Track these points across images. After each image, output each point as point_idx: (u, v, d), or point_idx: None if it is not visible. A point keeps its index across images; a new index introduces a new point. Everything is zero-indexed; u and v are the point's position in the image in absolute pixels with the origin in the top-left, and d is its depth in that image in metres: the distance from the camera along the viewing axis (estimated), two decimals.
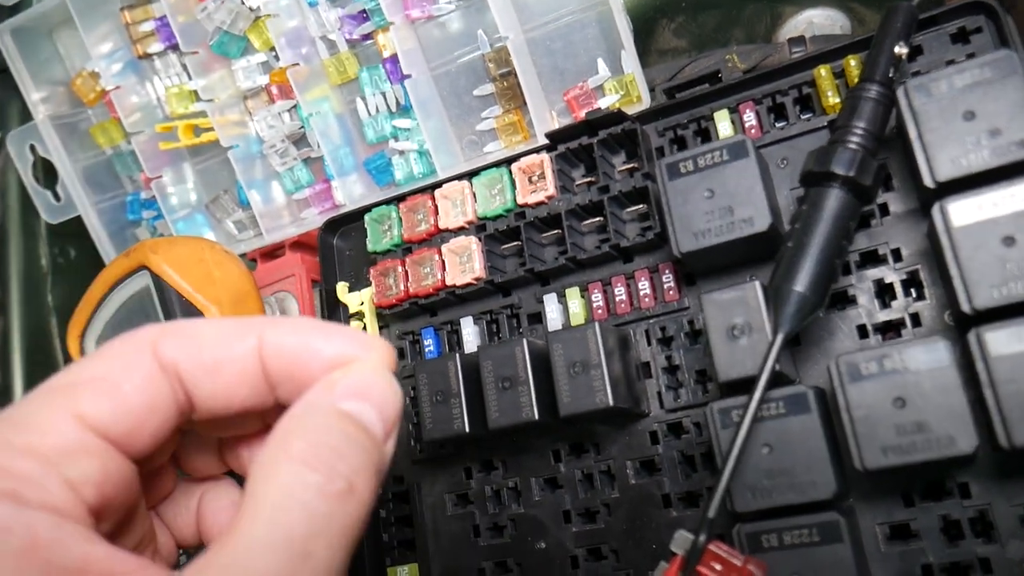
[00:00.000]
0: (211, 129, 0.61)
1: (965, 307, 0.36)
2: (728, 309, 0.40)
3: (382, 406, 0.27)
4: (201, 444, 0.32)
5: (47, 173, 0.66)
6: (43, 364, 0.65)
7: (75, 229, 0.66)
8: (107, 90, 0.63)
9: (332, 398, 0.27)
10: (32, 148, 0.64)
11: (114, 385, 0.26)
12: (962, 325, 0.37)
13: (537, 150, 0.50)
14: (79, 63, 0.64)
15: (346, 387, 0.27)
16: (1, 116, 0.68)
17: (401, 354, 0.54)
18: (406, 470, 0.52)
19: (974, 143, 0.37)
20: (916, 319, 0.41)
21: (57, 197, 0.65)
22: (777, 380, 0.39)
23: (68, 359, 0.66)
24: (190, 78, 0.62)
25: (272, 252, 0.63)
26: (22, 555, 0.22)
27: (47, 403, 0.25)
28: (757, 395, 0.36)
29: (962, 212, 0.37)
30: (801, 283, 0.37)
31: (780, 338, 0.37)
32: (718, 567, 0.35)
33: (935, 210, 0.37)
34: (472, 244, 0.50)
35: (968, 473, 0.39)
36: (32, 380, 0.64)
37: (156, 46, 0.61)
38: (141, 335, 0.27)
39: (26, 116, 0.69)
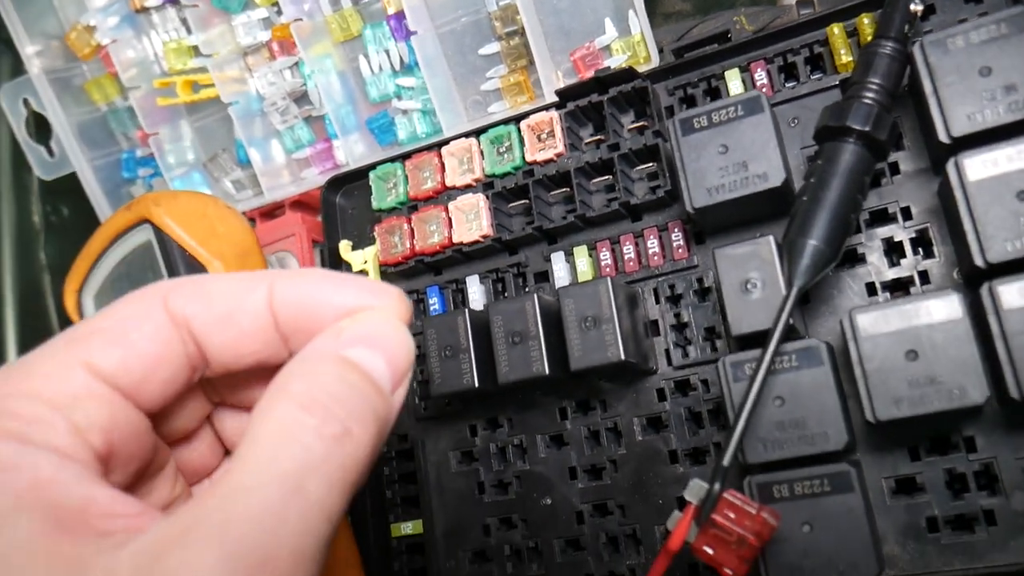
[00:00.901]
0: (210, 85, 0.60)
1: (979, 261, 0.36)
2: (741, 263, 0.40)
3: (391, 355, 0.27)
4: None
5: (39, 128, 0.64)
6: (36, 322, 0.65)
7: (68, 186, 0.65)
8: (103, 44, 0.62)
9: (336, 345, 0.27)
10: (26, 102, 0.63)
11: (123, 335, 0.26)
12: (973, 280, 0.38)
13: (546, 108, 0.50)
14: (73, 16, 0.63)
15: (352, 335, 0.27)
16: None
17: None
18: (410, 427, 0.52)
19: (990, 99, 0.37)
20: (925, 277, 0.42)
21: (51, 152, 0.63)
22: (789, 335, 0.39)
23: (62, 316, 0.65)
24: (189, 33, 0.61)
25: (271, 212, 0.62)
26: (24, 492, 0.22)
27: (57, 352, 0.26)
28: (772, 347, 0.37)
29: (977, 167, 0.37)
30: (816, 236, 0.37)
31: (795, 291, 0.37)
32: (732, 515, 0.36)
33: (950, 165, 0.37)
34: (480, 202, 0.50)
35: (974, 427, 0.39)
36: (25, 338, 0.64)
37: (154, 0, 0.60)
38: (152, 289, 0.28)
39: (17, 70, 0.67)
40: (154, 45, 0.62)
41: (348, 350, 0.26)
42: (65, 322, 0.67)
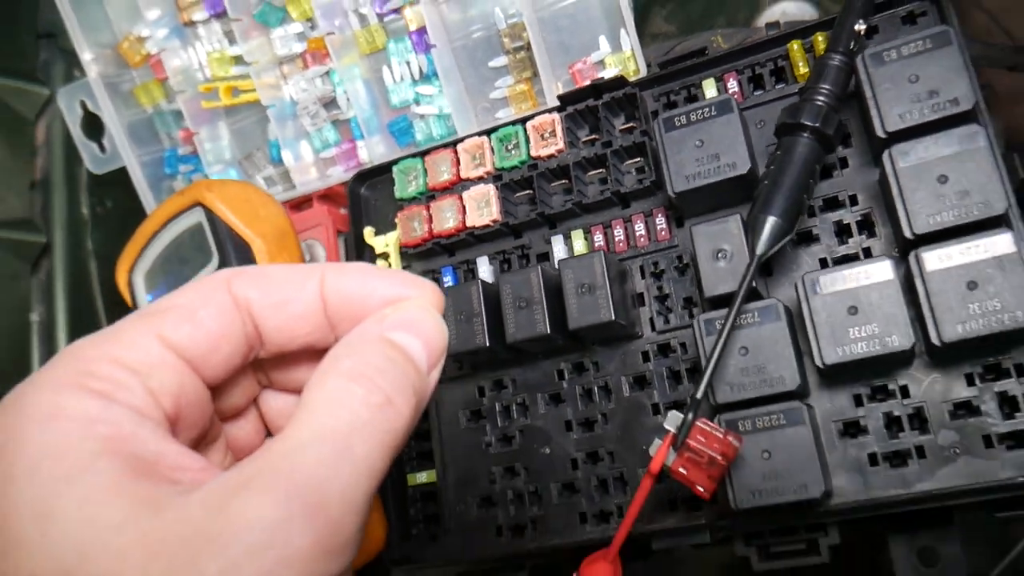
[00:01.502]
0: (248, 91, 0.68)
1: (907, 233, 0.44)
2: (713, 237, 0.48)
3: (427, 339, 0.31)
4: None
5: (90, 128, 0.72)
6: (84, 302, 0.71)
7: (114, 180, 0.72)
8: (152, 54, 0.70)
9: (380, 328, 0.30)
10: (82, 104, 0.70)
11: (193, 313, 0.29)
12: (904, 251, 0.45)
13: (549, 111, 0.57)
14: (126, 28, 0.71)
15: (394, 320, 0.31)
16: (47, 76, 0.73)
17: None
18: None
19: (917, 101, 0.45)
20: (868, 252, 0.49)
21: (103, 149, 0.71)
22: (752, 296, 0.47)
23: (107, 300, 0.72)
24: (231, 44, 0.68)
25: (299, 205, 0.70)
26: (108, 441, 0.25)
27: (135, 325, 0.29)
28: (737, 304, 0.44)
29: (906, 156, 0.45)
30: (775, 212, 0.45)
31: (757, 258, 0.45)
32: (703, 439, 0.43)
33: (885, 156, 0.45)
34: (490, 191, 0.57)
35: (907, 376, 0.47)
36: (73, 316, 0.70)
37: (200, 14, 0.68)
38: (218, 275, 0.31)
39: (70, 77, 0.75)
40: (199, 55, 0.69)
41: (390, 333, 0.30)
42: (110, 305, 0.74)
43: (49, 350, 0.69)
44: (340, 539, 0.25)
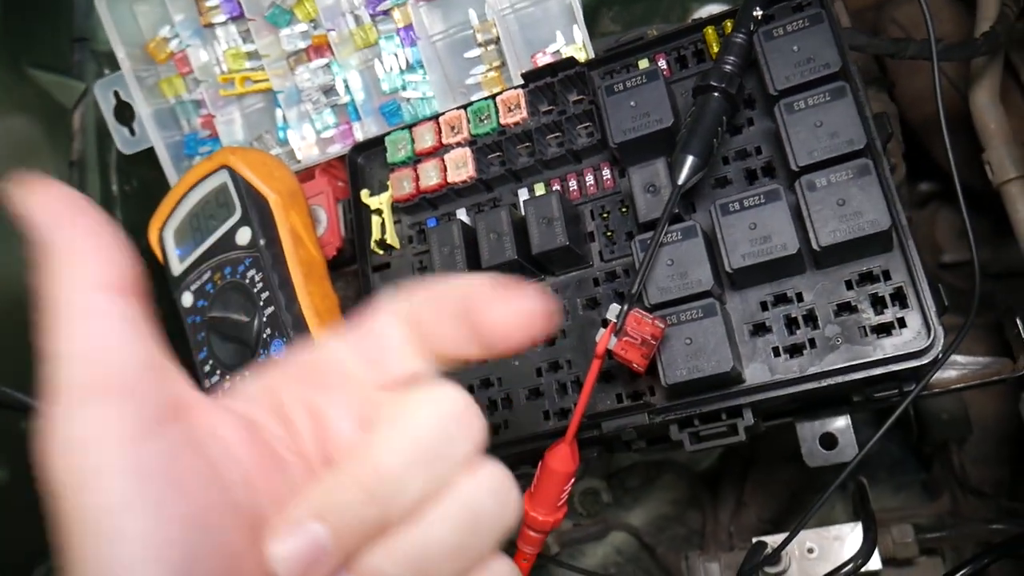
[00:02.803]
0: (259, 81, 0.80)
1: (793, 165, 0.57)
2: (645, 176, 0.60)
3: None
4: None
5: (120, 116, 0.83)
6: None
7: (140, 161, 0.84)
8: (175, 53, 0.82)
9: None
10: (115, 94, 0.82)
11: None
12: (791, 182, 0.58)
13: (514, 88, 0.70)
14: (153, 30, 0.83)
15: None
16: (81, 73, 0.85)
17: (410, 240, 0.73)
18: None
19: (798, 66, 0.58)
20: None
21: (132, 132, 0.82)
22: (676, 220, 0.59)
23: (139, 252, 0.82)
24: (244, 42, 0.81)
25: (303, 179, 0.81)
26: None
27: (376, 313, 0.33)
28: (664, 220, 0.56)
29: (791, 108, 0.58)
30: (691, 151, 0.57)
31: (678, 187, 0.57)
32: (636, 325, 0.55)
33: (776, 108, 0.58)
34: (467, 154, 0.69)
35: (802, 285, 0.59)
36: None
37: (219, 17, 0.80)
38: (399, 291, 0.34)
39: (100, 75, 0.86)
40: (217, 52, 0.81)
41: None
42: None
43: None
44: None
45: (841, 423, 0.64)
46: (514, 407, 0.66)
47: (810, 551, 0.73)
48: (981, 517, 0.82)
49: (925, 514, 0.90)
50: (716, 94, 0.59)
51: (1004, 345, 0.99)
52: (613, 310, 0.55)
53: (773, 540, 0.69)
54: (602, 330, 0.55)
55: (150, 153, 0.83)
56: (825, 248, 0.55)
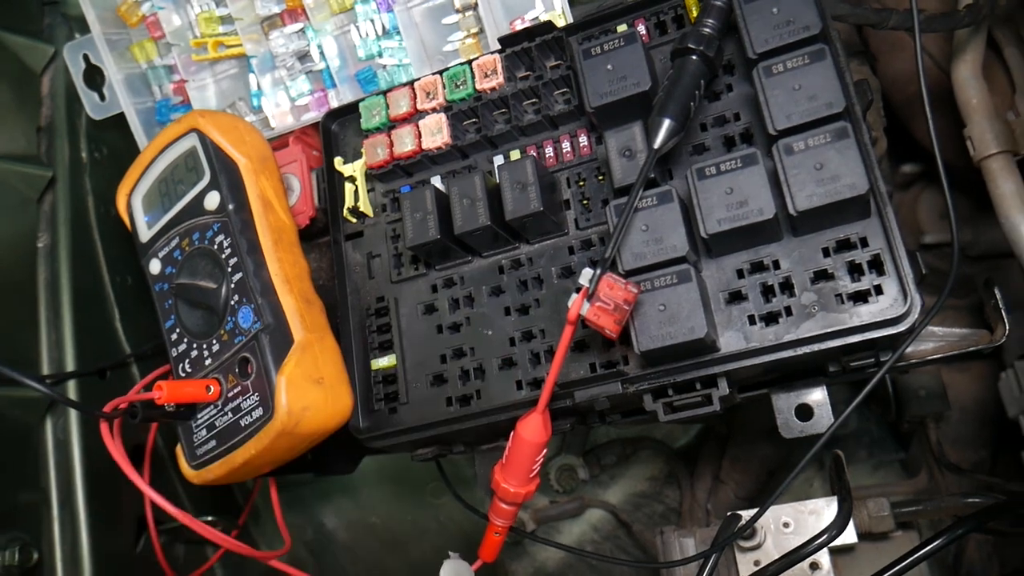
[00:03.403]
0: (233, 46, 0.78)
1: (770, 129, 0.56)
2: (622, 139, 0.59)
3: None
4: None
5: (90, 80, 0.81)
6: (82, 233, 0.81)
7: (110, 127, 0.82)
8: (146, 16, 0.80)
9: None
10: (85, 57, 0.80)
11: None
12: (769, 145, 0.57)
13: (491, 53, 0.69)
14: None
15: None
16: (51, 37, 0.83)
17: (384, 208, 0.72)
18: (386, 290, 0.70)
19: (777, 28, 0.57)
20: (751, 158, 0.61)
21: (103, 97, 0.81)
22: (652, 185, 0.58)
23: (104, 237, 0.81)
24: (217, 6, 0.79)
25: (277, 147, 0.80)
26: None
27: None
28: (639, 183, 0.55)
29: (770, 71, 0.56)
30: (668, 115, 0.56)
31: (653, 151, 0.56)
32: (609, 290, 0.54)
33: (755, 72, 0.57)
34: (442, 120, 0.68)
35: (779, 252, 0.58)
36: (74, 245, 0.79)
37: None
38: None
39: (70, 38, 0.85)
40: (189, 15, 0.80)
41: None
42: (105, 236, 0.83)
43: (53, 272, 0.78)
44: None
45: (817, 395, 0.63)
46: (487, 377, 0.65)
47: (786, 525, 0.72)
48: (957, 492, 0.82)
49: (902, 491, 0.90)
50: (694, 57, 0.58)
51: (984, 325, 0.99)
52: (586, 274, 0.54)
53: (748, 515, 0.69)
54: (574, 295, 0.54)
55: (121, 119, 0.81)
56: (802, 213, 0.54)
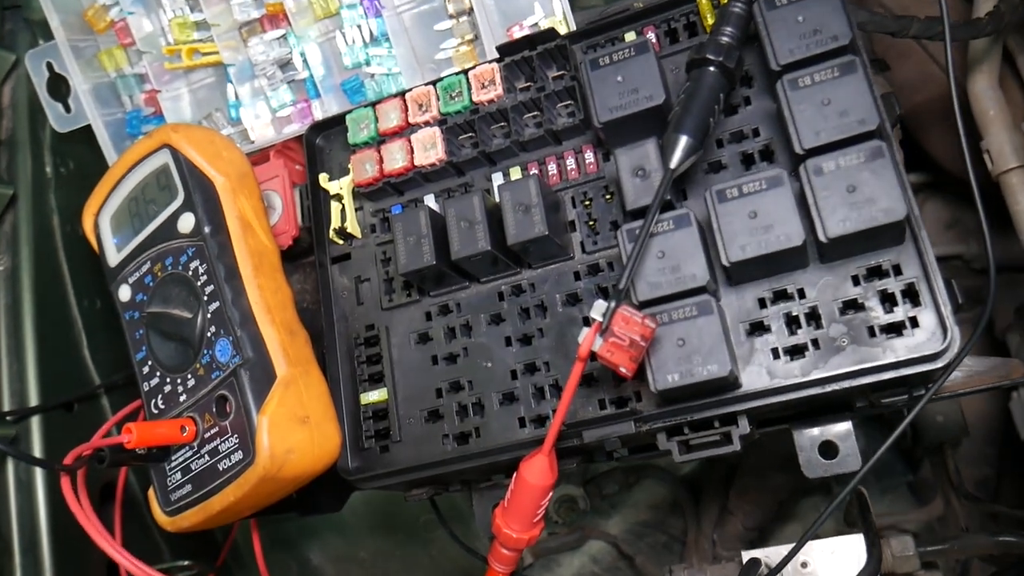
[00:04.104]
0: (209, 53, 0.73)
1: (797, 148, 0.51)
2: (634, 158, 0.55)
3: None
4: None
5: (54, 90, 0.76)
6: (47, 254, 0.75)
7: (77, 140, 0.76)
8: (115, 21, 0.74)
9: None
10: (49, 65, 0.74)
11: None
12: (795, 166, 0.52)
13: (488, 62, 0.64)
14: None
15: None
16: (12, 44, 0.77)
17: (373, 229, 0.66)
18: (376, 317, 0.64)
19: (803, 38, 0.53)
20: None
21: (68, 109, 0.75)
22: (667, 207, 0.54)
23: (70, 254, 0.75)
24: (192, 11, 0.73)
25: (257, 161, 0.74)
26: None
27: None
28: (654, 207, 0.50)
29: (796, 84, 0.52)
30: (685, 131, 0.52)
31: (670, 171, 0.52)
32: (624, 324, 0.49)
33: (779, 84, 0.53)
34: (436, 134, 0.63)
35: (803, 280, 0.54)
36: (38, 265, 0.74)
37: None
38: None
39: (33, 45, 0.79)
40: (162, 20, 0.74)
41: None
42: (72, 256, 0.77)
43: (14, 297, 0.72)
44: None
45: (842, 429, 0.58)
46: (486, 413, 0.60)
47: (804, 565, 0.67)
48: (981, 526, 0.78)
49: (915, 519, 0.86)
50: (712, 68, 0.53)
51: (995, 343, 0.95)
52: (599, 307, 0.49)
53: (765, 555, 0.64)
54: (585, 329, 0.49)
55: (88, 132, 0.75)
56: (833, 240, 0.50)
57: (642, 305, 0.52)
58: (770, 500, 0.85)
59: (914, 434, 0.84)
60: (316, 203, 0.68)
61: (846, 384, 0.52)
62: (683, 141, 0.52)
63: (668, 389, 0.51)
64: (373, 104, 0.66)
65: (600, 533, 0.89)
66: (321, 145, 0.69)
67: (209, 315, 0.60)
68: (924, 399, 0.53)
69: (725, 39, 0.54)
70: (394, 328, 0.64)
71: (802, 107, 0.52)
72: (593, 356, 0.49)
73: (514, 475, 0.56)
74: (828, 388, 0.52)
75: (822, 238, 0.50)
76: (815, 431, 0.59)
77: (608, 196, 0.60)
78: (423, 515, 0.91)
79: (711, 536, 0.86)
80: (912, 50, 0.97)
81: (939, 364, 0.51)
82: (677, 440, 0.56)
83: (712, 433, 0.56)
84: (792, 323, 0.54)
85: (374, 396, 0.63)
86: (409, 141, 0.64)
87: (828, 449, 0.59)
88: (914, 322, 0.51)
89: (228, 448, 0.57)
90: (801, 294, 0.54)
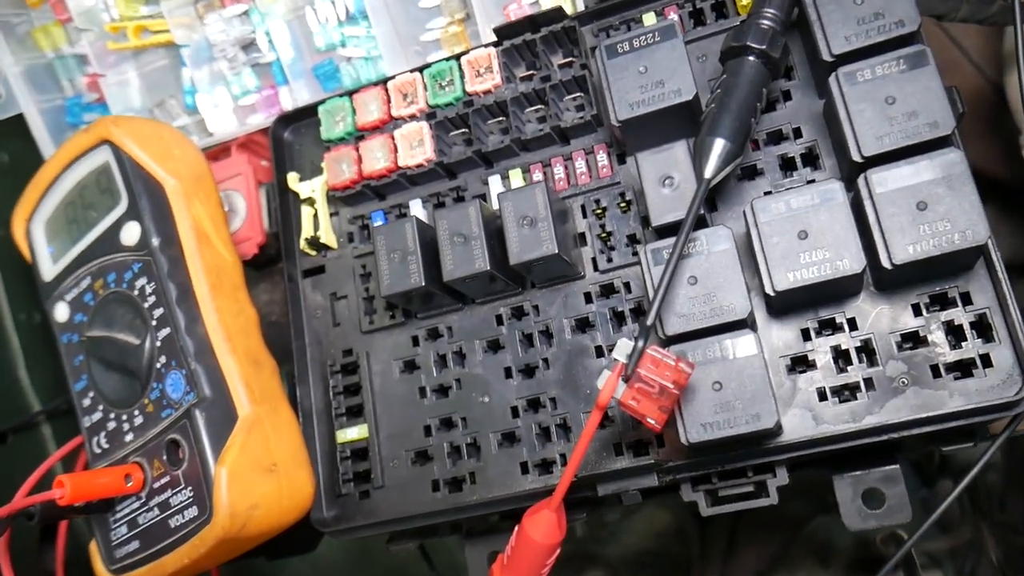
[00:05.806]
0: (160, 32, 0.63)
1: (856, 156, 0.43)
2: (660, 164, 0.46)
3: None
4: None
5: None
6: None
7: (9, 131, 0.67)
8: None
9: None
10: None
11: None
12: (851, 176, 0.44)
13: (484, 46, 0.55)
14: None
15: None
16: None
17: (351, 238, 0.58)
18: (355, 341, 0.56)
19: (862, 23, 0.44)
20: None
21: None
22: (699, 225, 0.45)
23: (6, 251, 0.66)
24: None
25: (216, 156, 0.65)
26: None
27: None
28: (687, 226, 0.42)
29: (853, 78, 0.44)
30: (722, 134, 0.43)
31: (706, 181, 0.43)
32: (654, 367, 0.41)
33: (832, 78, 0.44)
34: (423, 129, 0.54)
35: (854, 309, 0.46)
36: None
37: None
38: None
39: None
40: None
41: None
42: (6, 262, 0.68)
43: None
44: None
45: (890, 476, 0.51)
46: (483, 456, 0.52)
47: None
48: (1007, 559, 0.72)
49: (943, 548, 0.79)
50: (753, 58, 0.45)
51: None
52: (623, 347, 0.41)
53: None
54: (606, 372, 0.41)
55: (21, 121, 0.66)
56: (901, 266, 0.42)
57: (669, 341, 0.44)
58: (783, 527, 0.78)
59: (942, 458, 0.77)
60: (285, 208, 0.59)
61: (905, 433, 0.45)
62: (720, 146, 0.43)
63: (703, 442, 0.43)
64: (350, 93, 0.57)
65: (599, 561, 0.82)
66: (290, 140, 0.60)
67: (159, 343, 0.51)
68: (994, 446, 0.46)
69: (767, 23, 0.46)
70: (376, 354, 0.55)
71: (861, 106, 0.43)
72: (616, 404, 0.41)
73: (516, 528, 0.48)
74: (884, 438, 0.45)
75: (886, 264, 0.42)
76: (858, 475, 0.51)
77: (623, 205, 0.52)
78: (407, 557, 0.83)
79: (720, 567, 0.79)
80: (931, 31, 0.89)
81: (1017, 411, 0.43)
82: (704, 490, 0.49)
83: (745, 482, 0.48)
84: (841, 358, 0.46)
85: (352, 433, 0.55)
86: (392, 138, 0.55)
87: (873, 498, 0.51)
88: (986, 360, 0.44)
89: (181, 503, 0.48)
90: (852, 324, 0.46)
